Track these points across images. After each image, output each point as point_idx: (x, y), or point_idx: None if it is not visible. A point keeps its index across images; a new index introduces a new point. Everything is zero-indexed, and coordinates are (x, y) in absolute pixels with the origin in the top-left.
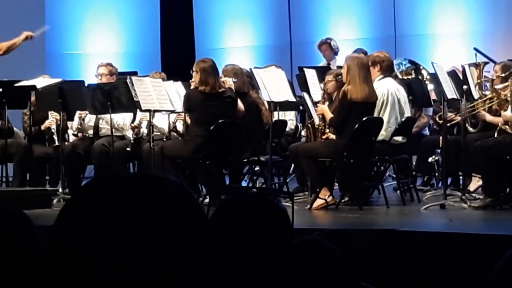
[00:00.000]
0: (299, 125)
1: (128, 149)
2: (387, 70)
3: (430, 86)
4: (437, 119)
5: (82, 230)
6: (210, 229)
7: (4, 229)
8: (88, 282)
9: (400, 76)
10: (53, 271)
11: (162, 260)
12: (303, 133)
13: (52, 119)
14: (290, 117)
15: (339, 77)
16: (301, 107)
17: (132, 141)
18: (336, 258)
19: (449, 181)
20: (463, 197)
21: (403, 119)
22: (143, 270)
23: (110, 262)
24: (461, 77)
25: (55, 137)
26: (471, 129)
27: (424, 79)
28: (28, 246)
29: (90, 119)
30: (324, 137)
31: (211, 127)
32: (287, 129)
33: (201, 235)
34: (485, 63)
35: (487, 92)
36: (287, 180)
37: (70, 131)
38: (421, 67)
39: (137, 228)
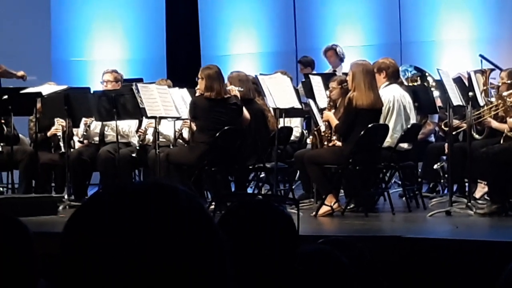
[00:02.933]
0: (305, 132)
1: (134, 155)
2: (393, 76)
3: (436, 93)
4: (442, 126)
5: (91, 240)
6: (220, 238)
7: None
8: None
9: (405, 83)
10: (65, 280)
11: (172, 268)
12: (308, 140)
13: (58, 126)
14: (295, 124)
15: (345, 84)
16: (306, 114)
17: (137, 148)
18: (344, 270)
19: (454, 188)
20: (469, 204)
21: (408, 126)
22: (154, 278)
23: (120, 270)
24: (466, 83)
25: (61, 143)
26: (476, 136)
27: (430, 86)
28: (21, 251)
29: (95, 126)
30: (330, 144)
31: (217, 134)
32: (293, 136)
33: (211, 243)
34: (491, 70)
35: (493, 99)
36: (293, 187)
37: (75, 138)
38: (426, 74)
39: (147, 238)
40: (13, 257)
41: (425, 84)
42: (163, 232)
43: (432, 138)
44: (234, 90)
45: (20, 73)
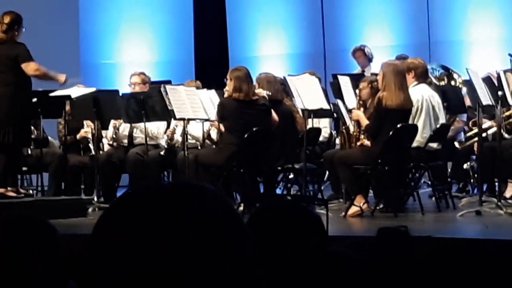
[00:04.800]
0: (333, 132)
1: (162, 153)
2: (422, 76)
3: (464, 90)
4: (470, 125)
5: (120, 241)
6: (248, 239)
7: (25, 234)
8: None
9: (435, 82)
10: (94, 281)
11: (200, 268)
12: (337, 140)
13: (87, 129)
14: (324, 125)
15: (374, 83)
16: (335, 115)
17: (165, 147)
18: (359, 271)
19: (484, 187)
20: (499, 203)
21: (437, 126)
22: (182, 278)
23: (149, 271)
24: (496, 83)
25: (90, 146)
26: (506, 135)
27: (458, 84)
28: (50, 253)
29: (124, 128)
30: (358, 143)
31: (245, 135)
32: (321, 137)
33: (239, 244)
34: None
35: None
36: (322, 188)
37: (105, 140)
38: (453, 72)
39: (174, 238)
40: (42, 258)
41: (452, 82)
42: (191, 233)
43: (462, 137)
44: (262, 93)
45: (61, 77)
